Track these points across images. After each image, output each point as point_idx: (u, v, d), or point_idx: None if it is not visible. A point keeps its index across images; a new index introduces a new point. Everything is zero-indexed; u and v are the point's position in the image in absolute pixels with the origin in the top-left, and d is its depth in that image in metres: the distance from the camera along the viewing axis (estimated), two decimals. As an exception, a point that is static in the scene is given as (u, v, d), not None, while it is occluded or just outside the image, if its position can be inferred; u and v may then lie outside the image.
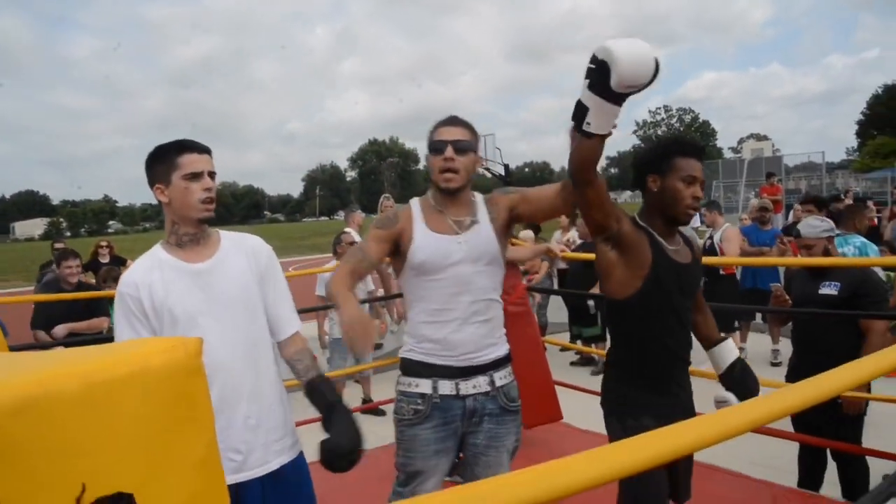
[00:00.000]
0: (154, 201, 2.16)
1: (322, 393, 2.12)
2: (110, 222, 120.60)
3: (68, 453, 0.75)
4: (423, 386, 2.33)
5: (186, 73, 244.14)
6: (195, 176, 2.07)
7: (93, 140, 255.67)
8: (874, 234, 10.03)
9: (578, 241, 8.11)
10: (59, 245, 8.60)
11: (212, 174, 2.11)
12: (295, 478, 2.18)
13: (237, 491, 2.00)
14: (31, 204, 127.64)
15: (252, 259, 2.21)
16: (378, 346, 7.70)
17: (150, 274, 2.07)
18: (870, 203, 13.53)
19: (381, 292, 6.85)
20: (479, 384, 2.35)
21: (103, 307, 5.74)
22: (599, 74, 1.79)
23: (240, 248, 2.21)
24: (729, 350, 2.54)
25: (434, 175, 2.36)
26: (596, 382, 6.82)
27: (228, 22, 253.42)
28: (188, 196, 2.06)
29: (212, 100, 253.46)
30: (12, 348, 3.73)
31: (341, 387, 6.55)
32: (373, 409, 6.06)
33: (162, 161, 2.09)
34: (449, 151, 2.31)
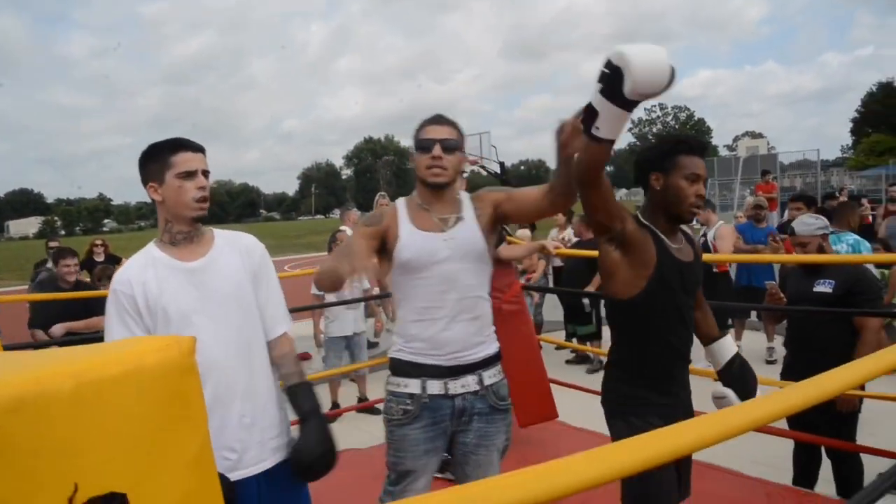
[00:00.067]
0: (149, 200, 2.16)
1: (299, 400, 2.15)
2: (105, 221, 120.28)
3: (61, 452, 0.74)
4: (412, 386, 2.33)
5: (182, 71, 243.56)
6: (189, 174, 2.07)
7: (87, 138, 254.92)
8: (868, 232, 10.06)
9: (574, 239, 8.12)
10: (53, 244, 8.58)
11: (206, 173, 2.11)
12: (290, 476, 2.18)
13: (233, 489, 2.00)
14: (25, 202, 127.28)
15: (246, 257, 2.21)
16: (374, 345, 7.69)
17: (144, 272, 2.07)
18: (864, 200, 13.60)
19: (377, 290, 6.85)
20: (468, 383, 2.35)
21: (101, 306, 5.71)
22: (613, 80, 1.76)
23: (233, 246, 2.21)
24: (728, 346, 2.54)
25: (421, 172, 2.36)
26: (591, 381, 6.84)
27: (223, 20, 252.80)
28: (182, 195, 2.06)
29: (207, 98, 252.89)
30: (6, 347, 3.72)
31: (336, 385, 6.54)
32: (368, 408, 6.06)
33: (156, 159, 2.08)
34: (437, 150, 2.32)
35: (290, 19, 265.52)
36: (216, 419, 1.99)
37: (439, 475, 3.63)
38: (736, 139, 76.86)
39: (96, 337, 5.03)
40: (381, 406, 2.57)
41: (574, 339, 7.90)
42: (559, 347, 8.05)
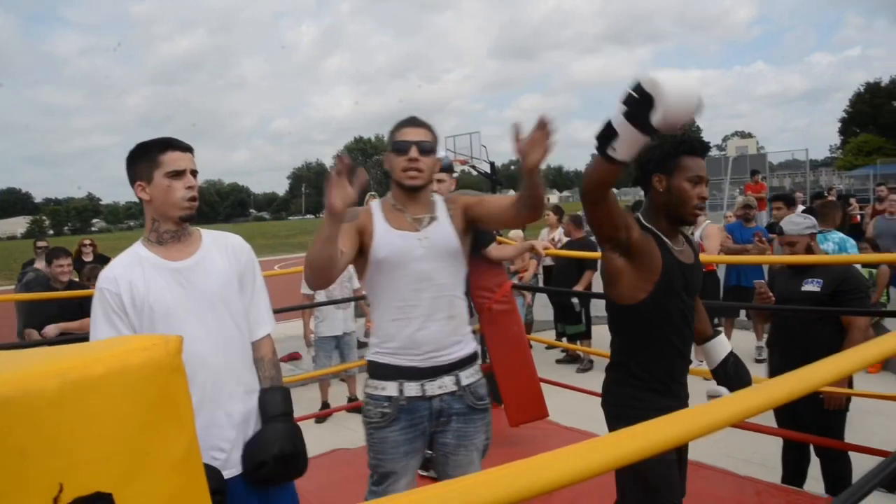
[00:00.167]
0: (137, 199, 2.15)
1: (266, 404, 2.14)
2: (94, 220, 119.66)
3: (46, 452, 0.74)
4: (390, 388, 2.33)
5: (171, 70, 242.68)
6: (178, 174, 2.06)
7: (76, 137, 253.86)
8: (857, 231, 10.13)
9: (565, 240, 8.14)
10: (41, 243, 8.51)
11: (194, 172, 2.11)
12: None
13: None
14: (12, 202, 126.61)
15: (233, 257, 2.21)
16: (364, 345, 7.68)
17: (131, 270, 2.06)
18: (853, 200, 13.69)
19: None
20: (445, 384, 2.35)
21: (94, 307, 5.66)
22: (641, 106, 1.74)
23: (220, 246, 2.21)
24: (722, 345, 2.54)
25: (397, 174, 2.36)
26: (581, 380, 6.86)
27: (213, 19, 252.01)
28: (170, 194, 2.06)
29: (196, 97, 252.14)
30: (-7, 348, 3.70)
31: (326, 385, 6.54)
32: (358, 408, 6.03)
33: (144, 158, 2.08)
34: (413, 152, 2.32)
35: (280, 19, 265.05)
36: (204, 419, 1.99)
37: (424, 473, 3.63)
38: (725, 139, 77.20)
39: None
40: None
41: (564, 339, 7.91)
42: (549, 347, 8.07)
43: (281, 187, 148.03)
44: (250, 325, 2.23)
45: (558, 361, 8.10)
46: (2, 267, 27.72)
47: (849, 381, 3.81)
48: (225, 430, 2.08)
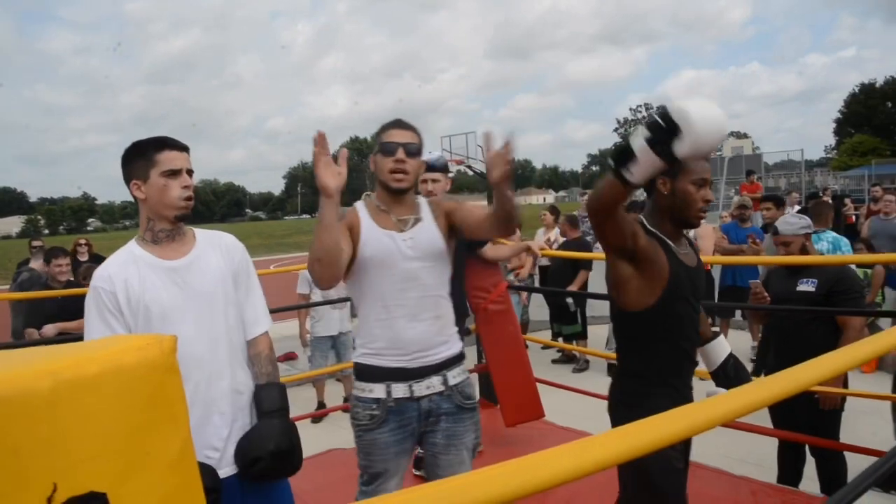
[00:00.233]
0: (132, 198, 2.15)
1: (262, 399, 2.13)
2: (89, 220, 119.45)
3: (40, 452, 0.73)
4: (378, 391, 2.34)
5: (166, 69, 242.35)
6: (174, 173, 2.06)
7: (71, 137, 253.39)
8: (852, 232, 10.15)
9: (561, 240, 8.14)
10: (36, 243, 8.49)
11: (190, 172, 2.11)
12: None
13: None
14: (7, 201, 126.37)
15: (227, 256, 2.21)
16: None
17: (126, 269, 2.05)
18: (848, 201, 13.71)
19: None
20: (433, 384, 2.36)
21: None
22: (666, 134, 1.73)
23: (214, 245, 2.21)
24: (721, 346, 2.53)
25: (383, 175, 2.37)
26: (577, 380, 6.86)
27: (208, 18, 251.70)
28: (166, 193, 2.05)
29: (192, 96, 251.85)
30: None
31: (322, 385, 6.53)
32: (354, 408, 6.04)
33: (140, 157, 2.07)
34: (400, 153, 2.33)
35: (275, 18, 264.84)
36: (198, 417, 1.99)
37: (417, 472, 3.63)
38: (721, 139, 77.12)
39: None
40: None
41: (560, 339, 7.92)
42: (545, 347, 8.07)
43: (277, 187, 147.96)
44: (246, 323, 2.23)
45: (554, 361, 8.10)
46: (-3, 266, 27.64)
47: (844, 381, 3.82)
48: (219, 428, 2.08)
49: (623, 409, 2.36)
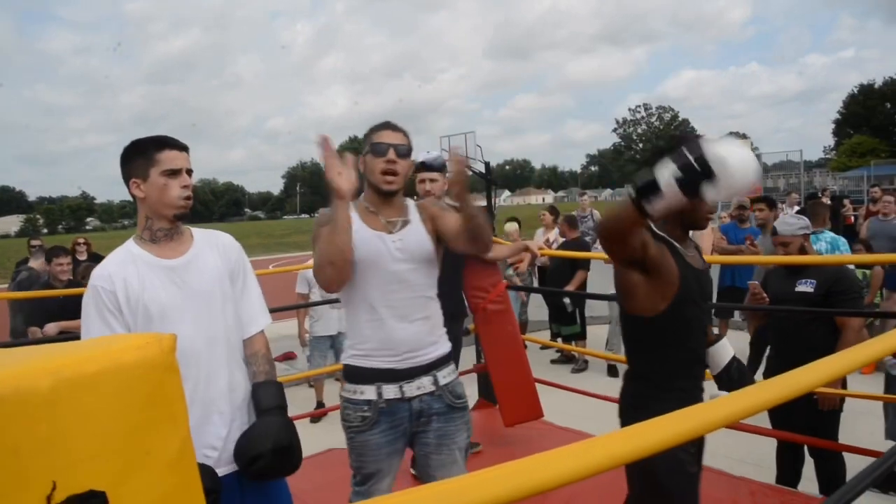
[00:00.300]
0: (131, 197, 2.15)
1: (260, 397, 2.13)
2: (88, 219, 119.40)
3: (39, 450, 0.74)
4: (368, 392, 2.34)
5: (166, 69, 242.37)
6: (174, 172, 2.06)
7: (70, 136, 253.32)
8: (850, 232, 10.16)
9: (561, 240, 8.14)
10: (35, 242, 8.48)
11: (189, 171, 2.11)
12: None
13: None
14: (6, 200, 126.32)
15: (224, 255, 2.21)
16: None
17: (125, 268, 2.05)
18: (847, 201, 13.72)
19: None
20: (424, 385, 2.37)
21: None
22: (699, 176, 1.70)
23: (212, 244, 2.21)
24: (725, 349, 2.51)
25: (374, 176, 2.37)
26: (576, 380, 6.84)
27: (208, 18, 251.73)
28: (166, 192, 2.05)
29: (192, 96, 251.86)
30: (-13, 346, 3.69)
31: (321, 385, 6.53)
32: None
33: (140, 156, 2.07)
34: (391, 154, 2.34)
35: (275, 18, 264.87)
36: (197, 417, 1.99)
37: (415, 472, 3.63)
38: (720, 140, 77.16)
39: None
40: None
41: (559, 339, 7.92)
42: (544, 347, 8.07)
43: (276, 186, 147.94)
44: (243, 322, 2.23)
45: (553, 362, 8.10)
46: (-5, 265, 27.61)
47: (842, 382, 3.83)
48: (217, 427, 2.08)
49: (634, 412, 2.34)
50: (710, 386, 2.53)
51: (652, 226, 2.27)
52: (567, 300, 7.42)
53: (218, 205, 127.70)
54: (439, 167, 3.85)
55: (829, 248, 4.96)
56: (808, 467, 3.84)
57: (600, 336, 7.98)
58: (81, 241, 8.54)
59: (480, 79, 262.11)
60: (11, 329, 6.53)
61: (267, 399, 2.12)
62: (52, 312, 5.46)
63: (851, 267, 4.26)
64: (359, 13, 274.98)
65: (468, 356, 5.17)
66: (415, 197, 3.26)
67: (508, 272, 7.70)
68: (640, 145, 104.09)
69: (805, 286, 3.73)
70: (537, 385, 4.58)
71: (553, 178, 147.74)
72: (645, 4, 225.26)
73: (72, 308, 5.40)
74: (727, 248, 7.39)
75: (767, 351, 4.47)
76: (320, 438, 4.87)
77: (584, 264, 7.42)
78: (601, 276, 7.58)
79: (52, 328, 5.40)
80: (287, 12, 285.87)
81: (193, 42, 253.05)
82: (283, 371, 7.57)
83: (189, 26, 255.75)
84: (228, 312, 2.17)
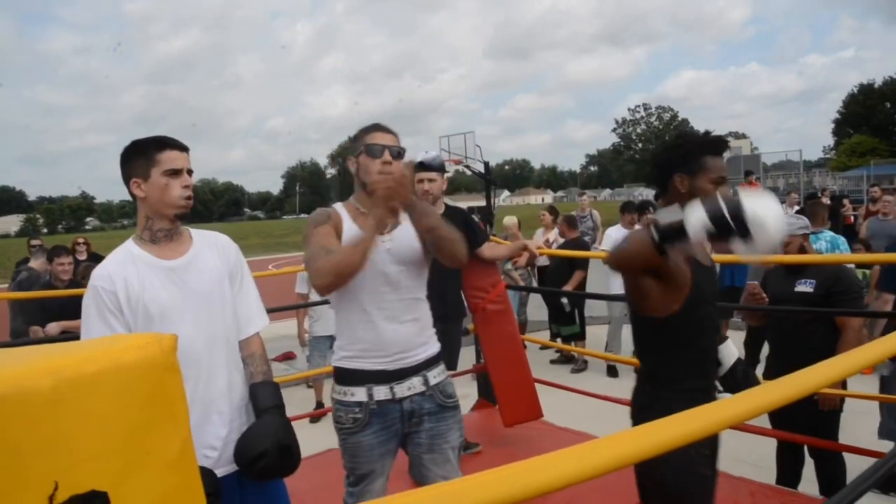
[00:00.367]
0: (130, 197, 2.15)
1: (258, 397, 2.14)
2: (88, 219, 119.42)
3: (41, 450, 0.74)
4: (359, 394, 2.35)
5: (166, 69, 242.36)
6: (175, 173, 2.07)
7: (70, 136, 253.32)
8: (850, 232, 10.16)
9: (561, 241, 8.14)
10: (35, 242, 8.48)
11: (190, 172, 2.12)
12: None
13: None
14: (6, 200, 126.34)
15: (223, 256, 2.22)
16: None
17: (125, 268, 2.05)
18: (846, 201, 13.73)
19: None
20: (414, 385, 2.38)
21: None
22: (732, 232, 1.69)
23: (211, 245, 2.23)
24: (729, 351, 2.48)
25: (370, 177, 2.36)
26: (576, 381, 6.84)
27: (208, 18, 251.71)
28: (168, 192, 2.06)
29: (191, 96, 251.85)
30: (-14, 346, 3.68)
31: (320, 385, 6.53)
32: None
33: (141, 156, 2.07)
34: (387, 156, 2.35)
35: (275, 18, 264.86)
36: (196, 417, 1.99)
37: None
38: (720, 140, 77.21)
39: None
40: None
41: (558, 339, 7.92)
42: (544, 347, 8.07)
43: (275, 186, 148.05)
44: (240, 323, 2.24)
45: (553, 362, 8.10)
46: (-5, 265, 27.60)
47: (843, 382, 3.82)
48: (217, 427, 2.09)
49: (647, 413, 2.27)
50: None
51: None
52: (565, 300, 7.42)
53: (217, 205, 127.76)
54: (438, 167, 3.85)
55: (829, 247, 4.96)
56: (809, 468, 3.84)
57: (600, 336, 7.98)
58: (81, 240, 8.54)
59: (480, 79, 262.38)
60: (12, 329, 6.53)
61: (265, 399, 2.13)
62: (52, 312, 5.47)
63: (851, 267, 4.26)
64: (359, 13, 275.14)
65: (468, 356, 5.18)
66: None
67: (507, 266, 7.70)
68: (640, 145, 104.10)
69: (805, 286, 3.72)
70: (537, 385, 4.58)
71: (552, 178, 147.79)
72: (645, 4, 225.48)
73: (71, 308, 5.41)
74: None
75: (765, 349, 4.47)
76: (320, 438, 4.87)
77: (583, 264, 7.42)
78: (600, 277, 7.60)
79: (53, 328, 5.41)
80: (287, 12, 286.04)
81: (193, 42, 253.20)
82: (283, 371, 7.58)
83: (189, 26, 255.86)
84: (228, 313, 2.18)
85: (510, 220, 8.64)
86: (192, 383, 1.98)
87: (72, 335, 5.24)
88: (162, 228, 2.11)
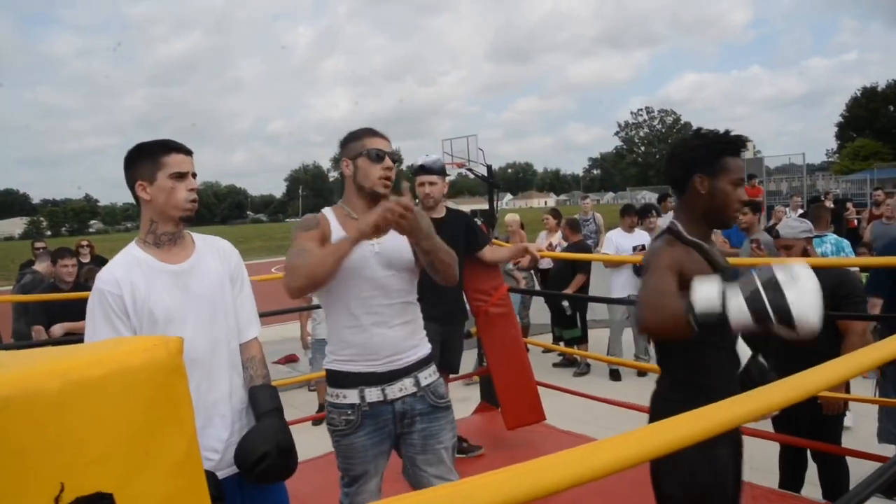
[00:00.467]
0: (135, 201, 2.16)
1: (258, 400, 2.16)
2: (91, 221, 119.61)
3: (47, 452, 0.74)
4: (351, 396, 2.36)
5: (168, 71, 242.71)
6: (181, 176, 2.09)
7: (73, 138, 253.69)
8: (854, 236, 10.14)
9: (564, 244, 8.14)
10: (39, 244, 8.49)
11: (194, 175, 2.14)
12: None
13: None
14: (10, 203, 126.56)
15: (225, 261, 2.24)
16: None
17: (130, 272, 2.06)
18: (850, 205, 13.70)
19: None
20: (405, 386, 2.39)
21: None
22: (773, 322, 1.70)
23: (212, 249, 2.25)
24: (742, 350, 2.45)
25: (370, 181, 2.38)
26: (578, 384, 6.83)
27: (210, 20, 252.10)
28: (173, 195, 2.08)
29: (193, 99, 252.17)
30: (-10, 349, 3.69)
31: (323, 387, 6.52)
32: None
33: (147, 159, 2.09)
34: (388, 161, 2.38)
35: (276, 21, 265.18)
36: (199, 420, 1.98)
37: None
38: (722, 143, 77.23)
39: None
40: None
41: (561, 343, 7.91)
42: (546, 350, 8.06)
43: (278, 189, 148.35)
44: (240, 327, 2.26)
45: (555, 365, 8.09)
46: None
47: (846, 386, 3.82)
48: (219, 430, 2.11)
49: (669, 414, 2.28)
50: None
51: (682, 231, 2.19)
52: (566, 303, 7.41)
53: (220, 207, 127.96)
54: (438, 170, 3.85)
55: (833, 250, 4.96)
56: (811, 472, 3.83)
57: (602, 340, 7.97)
58: (85, 243, 8.56)
59: (481, 81, 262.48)
60: (14, 331, 6.55)
61: (265, 402, 2.15)
62: (54, 314, 5.48)
63: (855, 270, 4.26)
64: (360, 15, 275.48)
65: (470, 359, 5.17)
66: (415, 200, 3.26)
67: (508, 267, 7.70)
68: (643, 149, 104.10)
69: (808, 290, 3.71)
70: (539, 388, 4.58)
71: (555, 182, 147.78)
72: (645, 7, 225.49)
73: (74, 310, 5.42)
74: (729, 251, 7.38)
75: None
76: (322, 441, 4.86)
77: (584, 268, 7.42)
78: (603, 280, 7.61)
79: (58, 329, 5.43)
80: (288, 14, 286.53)
81: (195, 44, 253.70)
82: (286, 374, 7.57)
83: (190, 29, 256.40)
84: (229, 317, 2.20)
85: (511, 218, 8.64)
86: (194, 386, 1.98)
87: (76, 337, 5.25)
88: (166, 232, 2.12)
